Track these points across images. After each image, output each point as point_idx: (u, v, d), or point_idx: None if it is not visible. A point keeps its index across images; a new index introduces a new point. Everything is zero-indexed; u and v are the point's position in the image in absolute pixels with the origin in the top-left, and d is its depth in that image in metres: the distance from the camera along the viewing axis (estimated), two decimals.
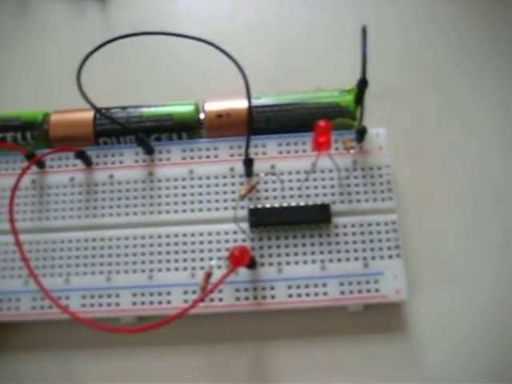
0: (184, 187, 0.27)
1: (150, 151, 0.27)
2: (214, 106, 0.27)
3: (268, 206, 0.26)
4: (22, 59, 0.34)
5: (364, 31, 0.23)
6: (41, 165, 0.27)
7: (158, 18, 0.34)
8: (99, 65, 0.25)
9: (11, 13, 0.35)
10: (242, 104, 0.27)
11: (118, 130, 0.27)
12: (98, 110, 0.25)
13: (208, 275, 0.24)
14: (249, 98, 0.25)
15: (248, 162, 0.26)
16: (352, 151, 0.26)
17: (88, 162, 0.27)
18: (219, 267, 0.26)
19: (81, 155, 0.26)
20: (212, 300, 0.25)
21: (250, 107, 0.25)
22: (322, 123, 0.24)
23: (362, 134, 0.26)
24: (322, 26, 0.33)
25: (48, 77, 0.33)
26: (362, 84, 0.25)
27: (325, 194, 0.26)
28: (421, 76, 0.30)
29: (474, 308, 0.26)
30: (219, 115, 0.27)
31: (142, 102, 0.28)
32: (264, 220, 0.26)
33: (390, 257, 0.25)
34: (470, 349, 0.25)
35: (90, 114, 0.28)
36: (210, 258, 0.26)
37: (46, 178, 0.28)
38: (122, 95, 0.28)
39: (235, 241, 0.26)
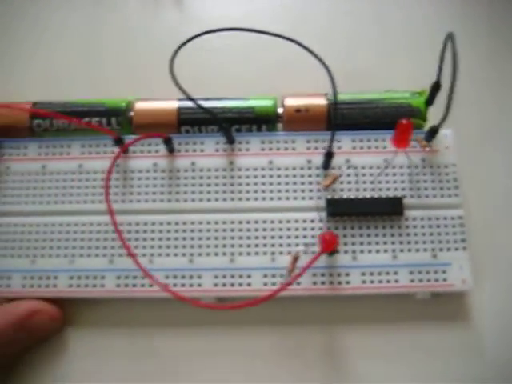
0: (263, 176, 0.28)
1: (231, 141, 0.28)
2: (293, 101, 0.29)
3: (345, 197, 0.28)
4: (99, 48, 0.35)
5: (450, 38, 0.25)
6: (126, 149, 0.29)
7: (233, 15, 0.35)
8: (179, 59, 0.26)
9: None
10: (319, 101, 0.29)
11: (200, 119, 0.29)
12: (192, 100, 0.26)
13: (295, 259, 0.26)
14: (335, 94, 0.26)
15: (329, 155, 0.27)
16: (427, 149, 0.27)
17: (171, 149, 0.28)
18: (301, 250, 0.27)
19: (168, 141, 0.28)
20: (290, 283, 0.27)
21: (336, 103, 0.26)
22: (404, 121, 0.26)
23: (433, 133, 0.28)
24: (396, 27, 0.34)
25: (132, 65, 0.34)
26: (436, 87, 0.27)
27: (396, 188, 0.28)
28: (486, 78, 0.32)
29: None
30: (298, 110, 0.28)
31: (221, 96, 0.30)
32: (341, 210, 0.28)
33: (457, 249, 0.27)
34: None
35: (175, 103, 0.29)
36: (289, 244, 0.27)
37: (130, 163, 0.29)
38: (202, 89, 0.29)
39: (312, 228, 0.28)
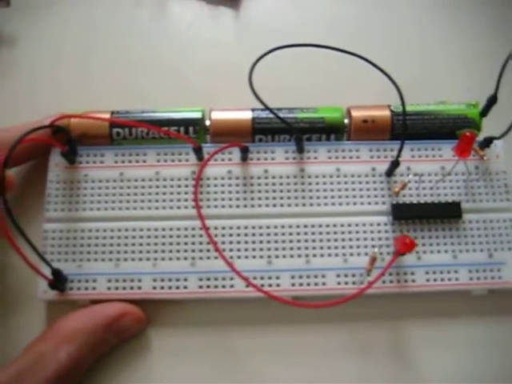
0: (332, 183, 0.30)
1: (301, 150, 0.30)
2: (360, 112, 0.31)
3: (408, 202, 0.30)
4: (156, 58, 0.36)
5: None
6: (201, 157, 0.30)
7: (289, 27, 0.37)
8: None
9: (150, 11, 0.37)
10: (384, 112, 0.31)
11: (273, 128, 0.30)
12: (270, 110, 0.28)
13: (374, 259, 0.28)
14: (403, 106, 0.28)
15: (395, 164, 0.29)
16: (485, 158, 0.30)
17: (245, 157, 0.30)
18: (366, 254, 0.29)
19: (245, 150, 0.29)
20: (362, 283, 0.29)
21: (405, 115, 0.28)
22: (469, 133, 0.28)
23: (488, 143, 0.30)
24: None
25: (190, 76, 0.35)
26: (493, 100, 0.30)
27: (453, 194, 0.31)
28: None
29: None
30: (365, 120, 0.31)
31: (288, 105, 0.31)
32: (405, 214, 0.30)
33: (510, 249, 0.30)
34: None
35: (249, 113, 0.31)
36: (358, 246, 0.29)
37: (206, 170, 0.30)
38: (274, 99, 0.31)
39: (379, 231, 0.30)
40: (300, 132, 0.30)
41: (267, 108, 0.28)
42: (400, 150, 0.29)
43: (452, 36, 0.37)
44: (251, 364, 0.29)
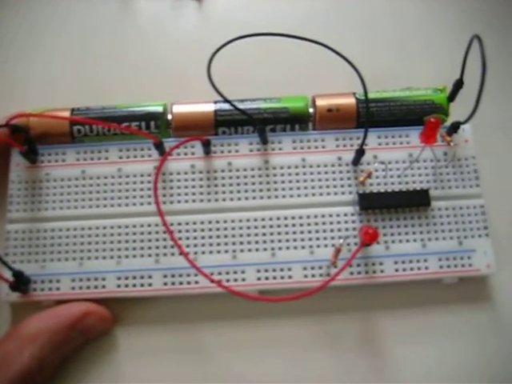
0: (297, 174, 0.30)
1: (265, 142, 0.30)
2: (324, 101, 0.30)
3: (375, 191, 0.29)
4: (119, 51, 0.36)
5: (477, 39, 0.26)
6: (162, 152, 0.30)
7: (254, 19, 0.36)
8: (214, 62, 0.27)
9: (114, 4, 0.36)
10: (349, 100, 0.30)
11: (236, 120, 0.30)
12: (229, 102, 0.27)
13: (338, 251, 0.27)
14: (366, 94, 0.28)
15: (361, 152, 0.29)
16: (452, 144, 0.29)
17: (208, 151, 0.30)
18: (333, 245, 0.29)
19: (207, 144, 0.29)
20: (328, 275, 0.28)
21: (368, 102, 0.28)
22: (433, 119, 0.27)
23: (455, 128, 0.30)
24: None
25: (161, 69, 0.35)
26: (459, 84, 0.29)
27: (421, 181, 0.30)
28: (501, 73, 0.34)
29: None
30: (329, 109, 0.30)
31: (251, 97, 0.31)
32: (372, 203, 0.29)
33: (480, 236, 0.29)
34: None
35: (211, 106, 0.30)
36: (325, 238, 0.29)
37: (168, 165, 0.30)
38: (237, 90, 0.30)
39: (346, 222, 0.29)
40: (263, 123, 0.30)
41: (226, 100, 0.27)
42: (364, 138, 0.28)
43: (421, 23, 0.37)
44: (221, 360, 0.29)
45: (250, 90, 0.31)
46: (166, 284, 0.28)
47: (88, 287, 0.28)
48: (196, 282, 0.28)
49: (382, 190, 0.30)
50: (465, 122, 0.29)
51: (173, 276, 0.28)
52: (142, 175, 0.30)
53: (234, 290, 0.25)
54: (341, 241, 0.28)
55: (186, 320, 0.29)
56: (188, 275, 0.28)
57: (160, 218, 0.26)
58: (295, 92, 0.31)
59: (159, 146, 0.29)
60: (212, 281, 0.25)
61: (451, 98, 0.30)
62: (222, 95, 0.27)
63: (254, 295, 0.25)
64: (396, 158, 0.30)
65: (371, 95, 0.30)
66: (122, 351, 0.29)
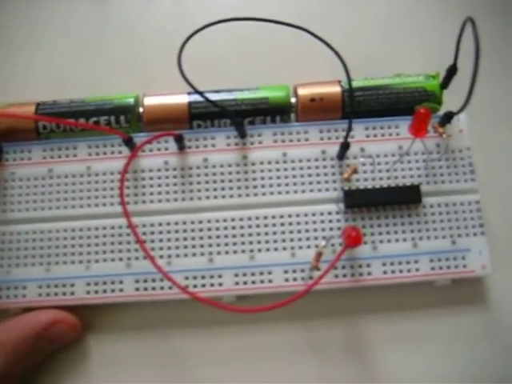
0: (278, 170, 0.28)
1: (243, 135, 0.28)
2: (307, 90, 0.28)
3: (361, 187, 0.27)
4: (89, 41, 0.33)
5: (471, 22, 0.24)
6: (133, 149, 0.28)
7: (231, 4, 0.34)
8: (188, 50, 0.25)
9: None
10: (333, 88, 0.28)
11: (212, 113, 0.28)
12: (200, 93, 0.25)
13: (319, 255, 0.25)
14: (349, 82, 0.26)
15: (345, 146, 0.27)
16: (444, 136, 0.27)
17: (182, 146, 0.28)
18: (316, 247, 0.27)
19: (180, 139, 0.27)
20: (311, 278, 0.27)
21: (352, 91, 0.26)
22: (422, 110, 0.25)
23: (449, 118, 0.27)
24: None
25: (133, 60, 0.33)
26: (453, 70, 0.27)
27: (412, 176, 0.28)
28: (497, 60, 0.32)
29: None
30: (312, 99, 0.28)
31: (230, 87, 0.29)
32: (359, 201, 0.27)
33: (475, 234, 0.27)
34: None
35: (185, 98, 0.28)
36: (308, 238, 0.27)
37: (140, 162, 0.28)
38: (212, 80, 0.28)
39: (330, 221, 0.27)
40: (241, 115, 0.28)
41: (196, 91, 0.25)
42: (348, 131, 0.26)
43: (412, 5, 0.34)
44: (196, 370, 0.27)
45: (227, 80, 0.29)
46: (138, 289, 0.27)
47: (56, 294, 0.27)
48: (170, 288, 0.27)
49: (370, 187, 0.28)
50: (459, 112, 0.26)
51: (145, 281, 0.27)
52: (112, 173, 0.28)
53: (201, 298, 0.23)
54: (323, 243, 0.26)
55: (159, 327, 0.28)
56: (161, 280, 0.27)
57: (126, 220, 0.24)
58: (276, 81, 0.29)
59: (129, 143, 0.27)
60: (178, 287, 0.23)
61: (444, 85, 0.28)
62: (191, 85, 0.25)
63: (224, 304, 0.23)
64: (385, 150, 0.28)
65: (358, 83, 0.28)
66: (94, 359, 0.27)
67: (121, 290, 0.27)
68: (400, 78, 0.28)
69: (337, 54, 0.25)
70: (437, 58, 0.28)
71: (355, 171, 0.27)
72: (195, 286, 0.27)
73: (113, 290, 0.27)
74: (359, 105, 0.28)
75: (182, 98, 0.28)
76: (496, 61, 0.31)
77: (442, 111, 0.28)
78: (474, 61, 0.24)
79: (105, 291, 0.27)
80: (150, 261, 0.24)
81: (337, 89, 0.28)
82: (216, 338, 0.27)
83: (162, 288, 0.27)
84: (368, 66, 0.30)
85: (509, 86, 0.32)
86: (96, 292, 0.27)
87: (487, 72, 0.30)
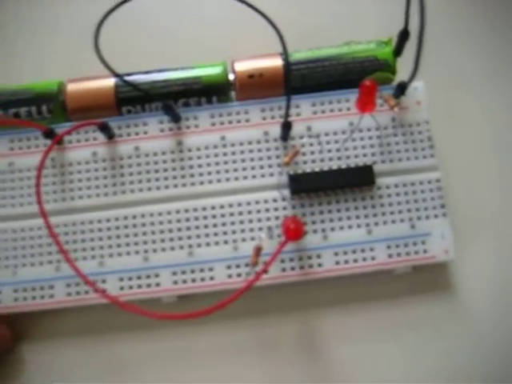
0: (216, 155, 0.25)
1: (177, 119, 0.25)
2: (244, 65, 0.25)
3: (308, 170, 0.25)
4: (31, 27, 0.31)
5: None
6: (59, 141, 0.25)
7: None
8: (112, 29, 0.23)
9: None
10: (275, 62, 0.25)
11: (142, 96, 0.25)
12: (118, 76, 0.23)
13: (258, 250, 0.23)
14: (286, 55, 0.23)
15: (287, 126, 0.24)
16: (396, 109, 0.24)
17: (110, 135, 0.25)
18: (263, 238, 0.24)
19: (104, 128, 0.24)
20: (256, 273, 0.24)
21: (288, 65, 0.23)
22: (367, 82, 0.23)
23: (402, 89, 0.25)
24: None
25: (58, 44, 0.30)
26: (404, 35, 0.24)
27: (365, 155, 0.25)
28: (457, 25, 0.29)
29: None
30: (251, 75, 0.25)
31: (163, 66, 0.26)
32: (305, 186, 0.25)
33: (436, 216, 0.25)
34: None
35: (111, 81, 0.25)
36: (252, 229, 0.25)
37: (66, 155, 0.26)
38: (141, 60, 0.25)
39: (276, 209, 0.25)
40: (173, 97, 0.25)
41: (114, 73, 0.22)
42: (287, 109, 0.23)
43: None
44: (142, 374, 0.25)
45: (159, 59, 0.26)
46: (69, 294, 0.24)
47: None
48: (103, 291, 0.24)
49: (317, 169, 0.25)
50: (410, 81, 0.23)
51: (77, 285, 0.25)
52: (36, 169, 0.25)
53: (120, 302, 0.21)
54: (262, 235, 0.24)
55: (99, 332, 0.26)
56: (95, 282, 0.24)
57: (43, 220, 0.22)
58: (214, 59, 0.26)
59: (50, 135, 0.24)
60: (96, 290, 0.21)
61: (397, 52, 0.25)
62: (109, 67, 0.22)
63: (145, 310, 0.21)
64: (334, 128, 0.26)
65: (301, 55, 0.26)
66: (29, 370, 0.25)
67: (51, 296, 0.25)
68: (349, 47, 0.26)
69: (269, 21, 0.22)
70: (394, 22, 0.25)
71: (296, 154, 0.24)
72: (131, 288, 0.24)
73: (42, 297, 0.25)
74: (303, 79, 0.25)
75: (108, 82, 0.25)
76: (456, 21, 0.28)
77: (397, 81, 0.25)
78: (419, 22, 0.21)
79: (34, 298, 0.25)
80: (68, 263, 0.22)
81: (278, 62, 0.25)
82: (159, 340, 0.25)
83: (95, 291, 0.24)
84: (316, 35, 0.27)
85: (472, 52, 0.29)
86: (25, 299, 0.25)
87: (447, 34, 0.27)
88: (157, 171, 0.25)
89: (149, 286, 0.24)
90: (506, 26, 0.29)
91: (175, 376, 0.25)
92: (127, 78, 0.24)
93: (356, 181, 0.25)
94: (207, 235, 0.25)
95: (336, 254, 0.24)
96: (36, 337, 0.26)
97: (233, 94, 0.26)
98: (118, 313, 0.25)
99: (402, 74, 0.25)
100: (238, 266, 0.24)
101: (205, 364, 0.25)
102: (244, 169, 0.25)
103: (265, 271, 0.22)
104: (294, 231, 0.22)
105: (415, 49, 0.22)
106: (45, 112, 0.25)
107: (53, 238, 0.22)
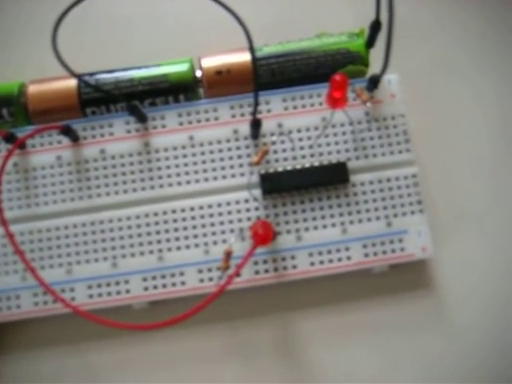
0: (185, 156, 0.25)
1: (143, 119, 0.24)
2: (211, 61, 0.24)
3: (280, 169, 0.24)
4: None
5: None
6: (21, 145, 0.24)
7: None
8: (76, 27, 0.22)
9: None
10: (243, 57, 0.24)
11: (107, 97, 0.24)
12: (78, 77, 0.22)
13: (228, 254, 0.22)
14: (252, 50, 0.22)
15: (256, 123, 0.23)
16: (369, 104, 0.23)
17: (75, 138, 0.24)
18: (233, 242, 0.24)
19: (67, 131, 0.23)
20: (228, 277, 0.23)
21: (255, 60, 0.22)
22: (337, 77, 0.22)
23: (375, 82, 0.24)
24: None
25: (20, 43, 0.29)
26: (376, 26, 0.23)
27: (338, 151, 0.24)
28: (432, 13, 0.28)
29: (501, 259, 0.25)
30: (218, 72, 0.24)
31: (128, 65, 0.25)
32: (277, 185, 0.24)
33: (413, 213, 0.24)
34: (500, 301, 0.24)
35: (73, 82, 0.24)
36: (223, 231, 0.24)
37: (29, 160, 0.25)
38: (105, 58, 0.25)
39: (247, 210, 0.24)
40: (139, 97, 0.24)
41: (72, 73, 0.21)
42: (255, 106, 0.22)
43: None
44: (114, 382, 0.24)
45: (124, 57, 0.25)
46: (36, 304, 0.24)
47: None
48: (72, 299, 0.24)
49: (290, 167, 0.24)
50: (382, 74, 0.23)
51: (44, 294, 0.24)
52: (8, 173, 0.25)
53: (83, 313, 0.21)
54: (232, 239, 0.23)
55: (72, 341, 0.25)
56: (63, 291, 0.24)
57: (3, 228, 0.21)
58: (182, 55, 0.25)
59: (10, 140, 0.23)
60: (58, 299, 0.20)
61: (369, 43, 0.24)
62: (66, 66, 0.21)
63: (110, 321, 0.20)
64: (307, 124, 0.25)
65: (270, 49, 0.25)
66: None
67: (18, 307, 0.24)
68: (320, 40, 0.25)
69: (232, 13, 0.21)
70: (366, 12, 0.24)
71: (266, 153, 0.23)
72: (100, 295, 0.24)
73: (9, 308, 0.24)
74: (273, 74, 0.24)
75: (70, 83, 0.24)
76: (434, 14, 0.27)
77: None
78: (388, 12, 0.20)
79: (0, 309, 0.24)
80: (30, 271, 0.21)
81: (246, 58, 0.24)
82: (131, 348, 0.25)
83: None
84: (287, 28, 0.26)
85: (448, 42, 0.28)
86: None
87: (422, 24, 0.26)
88: (124, 174, 0.24)
89: (118, 293, 0.24)
90: (483, 16, 0.29)
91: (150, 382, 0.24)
92: (90, 78, 0.23)
93: (330, 178, 0.24)
94: (177, 239, 0.24)
95: (311, 254, 0.24)
96: (5, 348, 0.25)
97: (201, 91, 0.25)
98: (87, 321, 0.24)
99: (377, 67, 0.24)
100: (209, 270, 0.24)
101: (179, 370, 0.24)
102: (214, 169, 0.24)
103: (236, 274, 0.21)
104: (262, 236, 0.21)
105: (385, 39, 0.21)
106: (6, 115, 0.25)
107: (13, 246, 0.21)
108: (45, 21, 0.23)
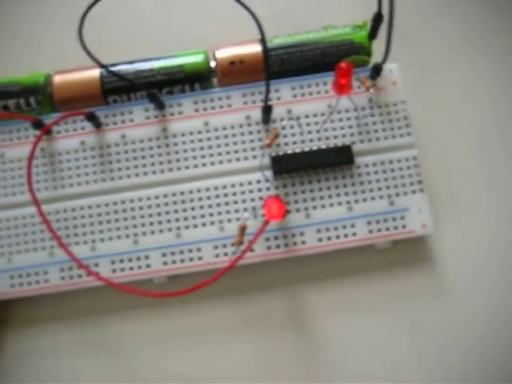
0: (200, 140, 0.26)
1: (161, 106, 0.26)
2: (225, 52, 0.26)
3: (290, 152, 0.26)
4: (17, 19, 0.31)
5: None
6: (48, 131, 0.26)
7: None
8: (99, 20, 0.23)
9: None
10: (254, 49, 0.26)
11: (128, 86, 0.26)
12: (103, 67, 0.24)
13: (243, 229, 0.24)
14: (264, 41, 0.24)
15: (267, 109, 0.25)
16: (372, 90, 0.25)
17: (98, 124, 0.26)
18: (247, 218, 0.25)
19: (91, 117, 0.25)
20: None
21: (266, 51, 0.24)
22: (343, 64, 0.23)
23: (378, 71, 0.25)
24: None
25: (46, 36, 0.30)
26: (378, 18, 0.25)
27: (344, 135, 0.26)
28: (433, 6, 0.30)
29: (497, 235, 0.26)
30: (232, 62, 0.26)
31: (148, 55, 0.27)
32: (287, 167, 0.26)
33: (414, 192, 0.26)
34: (496, 275, 0.26)
35: (96, 72, 0.26)
36: (237, 210, 0.26)
37: (55, 145, 0.26)
38: (125, 49, 0.26)
39: (259, 190, 0.26)
40: (158, 86, 0.26)
41: (100, 64, 0.23)
42: (267, 93, 0.24)
43: None
44: (134, 355, 0.26)
45: (143, 49, 0.27)
46: (63, 279, 0.25)
47: None
48: (97, 273, 0.25)
49: (298, 150, 0.26)
50: (383, 62, 0.24)
51: (70, 269, 0.25)
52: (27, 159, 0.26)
53: (111, 282, 0.22)
54: (246, 214, 0.25)
55: (91, 314, 0.27)
56: (88, 266, 0.25)
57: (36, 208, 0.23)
58: (198, 47, 0.27)
59: (38, 126, 0.25)
60: (90, 273, 0.22)
61: (372, 35, 0.26)
62: (93, 58, 0.23)
63: (137, 289, 0.22)
64: (314, 110, 0.26)
65: (280, 40, 0.26)
66: (13, 353, 0.26)
67: (46, 281, 0.25)
68: (326, 32, 0.26)
69: (246, 8, 0.23)
70: (369, 6, 0.25)
71: (277, 136, 0.25)
72: (122, 270, 0.25)
73: (37, 282, 0.26)
74: (282, 63, 0.26)
75: (93, 73, 0.26)
76: (433, 5, 0.29)
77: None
78: (389, 5, 0.22)
79: (29, 283, 0.26)
80: (63, 249, 0.23)
81: (257, 49, 0.26)
82: (150, 320, 0.26)
83: (88, 275, 0.25)
84: (294, 19, 0.28)
85: (444, 31, 0.29)
86: (21, 285, 0.26)
87: (419, 16, 0.28)
88: (143, 157, 0.26)
89: (140, 267, 0.25)
90: (482, 6, 0.30)
91: (166, 354, 0.26)
92: (112, 69, 0.25)
93: (336, 160, 0.26)
94: (194, 217, 0.26)
95: (318, 231, 0.25)
96: (30, 322, 0.26)
97: (215, 80, 0.27)
98: (108, 295, 0.26)
99: (379, 56, 0.26)
100: (224, 246, 0.25)
101: (194, 343, 0.26)
102: (227, 152, 0.26)
103: (249, 249, 0.23)
104: (275, 211, 0.23)
105: (386, 31, 0.22)
106: (33, 104, 0.26)
107: (46, 224, 0.23)
108: (68, 16, 0.25)
